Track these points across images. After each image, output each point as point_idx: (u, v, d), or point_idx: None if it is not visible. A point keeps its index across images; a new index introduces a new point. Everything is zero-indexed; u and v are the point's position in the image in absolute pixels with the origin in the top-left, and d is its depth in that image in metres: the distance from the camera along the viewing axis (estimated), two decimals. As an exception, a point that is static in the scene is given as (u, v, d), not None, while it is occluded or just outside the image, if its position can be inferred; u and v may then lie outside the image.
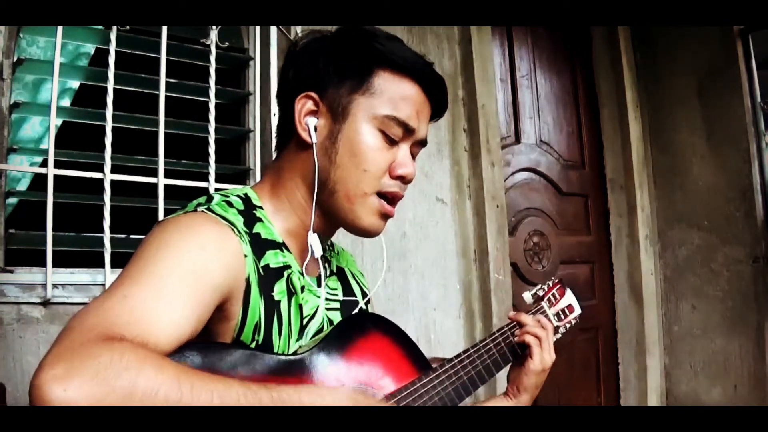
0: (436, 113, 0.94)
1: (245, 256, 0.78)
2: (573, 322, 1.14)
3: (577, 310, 1.15)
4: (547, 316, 1.11)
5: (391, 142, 0.87)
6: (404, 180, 0.88)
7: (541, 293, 1.14)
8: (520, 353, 1.02)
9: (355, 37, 0.88)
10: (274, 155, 0.96)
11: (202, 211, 0.79)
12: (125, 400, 0.55)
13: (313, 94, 0.86)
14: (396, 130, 0.86)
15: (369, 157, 0.85)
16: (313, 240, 0.88)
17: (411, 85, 0.87)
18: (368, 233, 0.89)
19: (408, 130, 0.87)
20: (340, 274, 1.01)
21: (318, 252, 0.88)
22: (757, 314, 2.51)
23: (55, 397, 0.53)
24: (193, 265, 0.70)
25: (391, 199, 0.89)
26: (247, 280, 0.78)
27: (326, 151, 0.86)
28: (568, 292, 1.15)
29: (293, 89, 0.88)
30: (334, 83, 0.86)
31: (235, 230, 0.78)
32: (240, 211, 0.82)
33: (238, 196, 0.86)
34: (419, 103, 0.88)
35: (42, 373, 0.55)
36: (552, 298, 1.14)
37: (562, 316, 1.14)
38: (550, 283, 1.16)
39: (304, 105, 0.87)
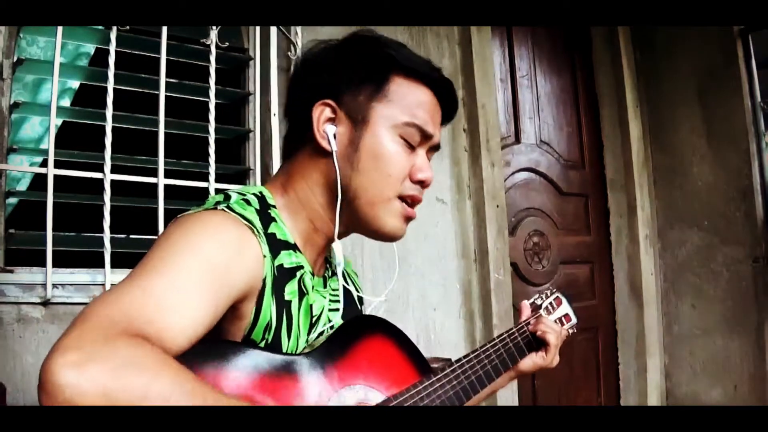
0: (446, 118, 0.95)
1: (264, 256, 0.78)
2: (570, 331, 1.20)
3: (574, 320, 1.21)
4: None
5: (410, 148, 0.88)
6: (423, 184, 0.90)
7: (539, 302, 1.19)
8: (518, 359, 1.08)
9: (367, 44, 0.89)
10: (277, 159, 0.97)
11: (222, 209, 0.78)
12: (135, 402, 0.54)
13: (330, 101, 0.86)
14: (415, 136, 0.87)
15: (392, 162, 0.86)
16: (337, 248, 0.89)
17: (424, 90, 0.89)
18: (391, 238, 0.90)
19: (425, 136, 0.89)
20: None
21: (341, 259, 0.89)
22: (757, 314, 2.51)
23: (66, 382, 0.52)
24: (212, 264, 0.70)
25: (411, 203, 0.90)
26: (264, 280, 0.78)
27: (348, 158, 0.86)
28: (565, 302, 1.20)
29: (309, 97, 0.87)
30: (351, 90, 0.86)
31: (255, 230, 0.78)
32: (257, 210, 0.82)
33: (253, 194, 0.85)
34: (432, 109, 0.90)
35: (57, 356, 0.53)
36: (550, 307, 1.19)
37: (560, 325, 1.18)
38: (548, 293, 1.21)
39: (322, 112, 0.86)
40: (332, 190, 0.87)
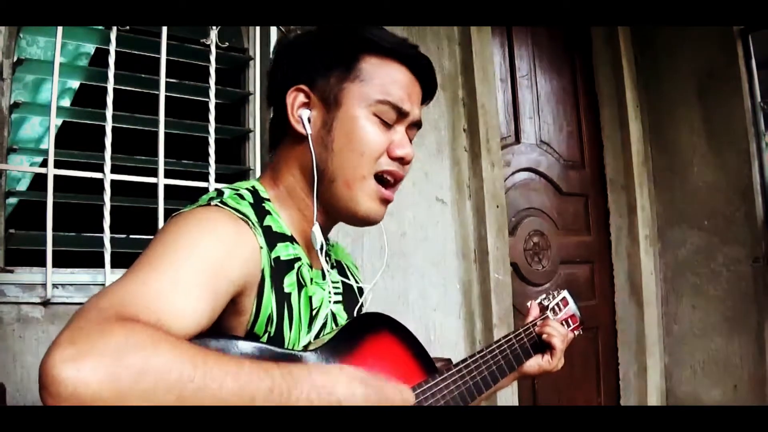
0: (427, 94, 0.95)
1: (261, 248, 0.78)
2: (575, 333, 1.20)
3: (579, 322, 1.21)
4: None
5: (386, 125, 0.88)
6: (403, 161, 0.89)
7: (546, 303, 1.19)
8: (524, 360, 1.08)
9: (339, 29, 0.90)
10: (269, 154, 0.97)
11: (216, 204, 0.78)
12: (139, 379, 0.54)
13: (303, 86, 0.87)
14: (390, 113, 0.87)
15: (365, 139, 0.86)
16: (316, 230, 0.88)
17: (398, 67, 0.88)
18: (368, 220, 0.89)
19: (401, 113, 0.88)
20: (338, 267, 1.02)
21: (319, 242, 0.88)
22: (757, 314, 2.51)
23: (66, 376, 0.52)
24: (210, 259, 0.70)
25: (393, 181, 0.90)
26: (262, 272, 0.78)
27: (322, 141, 0.87)
28: (571, 302, 1.20)
29: (283, 85, 0.89)
30: (323, 74, 0.87)
31: (250, 223, 0.78)
32: (251, 204, 0.82)
33: (246, 189, 0.86)
34: (409, 85, 0.89)
35: (54, 353, 0.53)
36: (557, 308, 1.19)
37: (565, 326, 1.19)
38: (555, 293, 1.21)
39: (295, 98, 0.88)
40: (312, 176, 0.87)
